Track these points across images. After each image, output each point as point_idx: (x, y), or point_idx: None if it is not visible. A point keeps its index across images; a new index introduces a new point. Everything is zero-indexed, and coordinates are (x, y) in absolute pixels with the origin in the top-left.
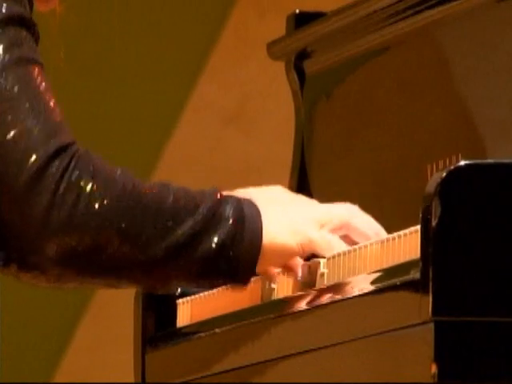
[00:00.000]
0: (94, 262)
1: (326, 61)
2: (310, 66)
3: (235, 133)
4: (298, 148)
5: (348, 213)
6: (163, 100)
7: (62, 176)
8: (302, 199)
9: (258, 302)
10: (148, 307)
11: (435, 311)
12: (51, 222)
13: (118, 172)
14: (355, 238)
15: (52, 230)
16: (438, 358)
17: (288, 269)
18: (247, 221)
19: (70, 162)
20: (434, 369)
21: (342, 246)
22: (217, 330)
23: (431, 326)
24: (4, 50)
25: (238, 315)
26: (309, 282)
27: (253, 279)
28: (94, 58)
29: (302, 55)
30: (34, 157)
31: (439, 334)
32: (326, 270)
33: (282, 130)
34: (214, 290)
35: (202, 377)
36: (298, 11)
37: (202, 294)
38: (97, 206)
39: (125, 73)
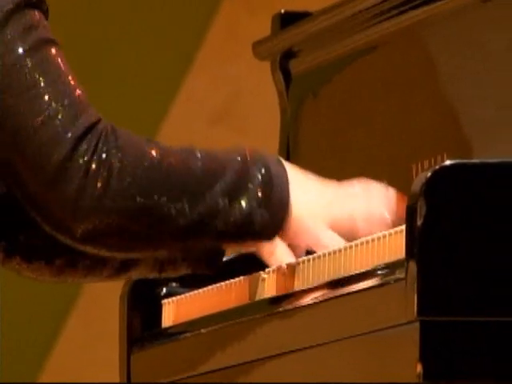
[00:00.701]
0: (129, 237)
1: (312, 61)
2: (295, 66)
3: (222, 131)
4: (284, 148)
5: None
6: (150, 96)
7: (91, 157)
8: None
9: (244, 302)
10: (133, 307)
11: (421, 311)
12: (83, 203)
13: (146, 144)
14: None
15: (84, 211)
16: (424, 357)
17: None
18: (275, 184)
19: (98, 141)
20: (419, 369)
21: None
22: (202, 331)
23: (417, 325)
24: (22, 34)
25: (224, 315)
26: (290, 282)
27: (238, 279)
28: (80, 53)
29: (288, 55)
30: (62, 140)
31: (425, 334)
32: (311, 270)
33: (270, 129)
34: (200, 291)
35: (188, 377)
36: (283, 11)
37: (187, 295)
38: (127, 183)
39: (112, 68)
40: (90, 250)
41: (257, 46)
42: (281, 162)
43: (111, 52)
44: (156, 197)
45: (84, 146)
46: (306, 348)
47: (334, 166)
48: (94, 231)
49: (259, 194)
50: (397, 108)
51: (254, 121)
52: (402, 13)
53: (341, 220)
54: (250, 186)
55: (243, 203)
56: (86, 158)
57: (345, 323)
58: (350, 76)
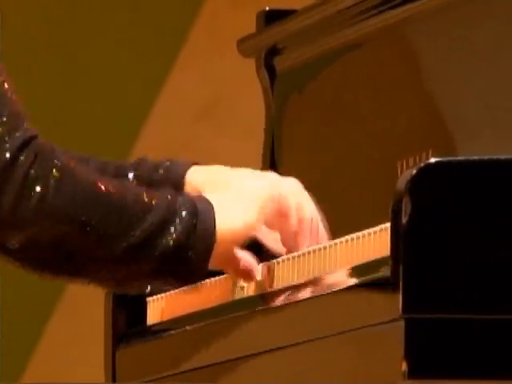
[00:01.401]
0: (56, 254)
1: (297, 58)
2: (280, 63)
3: (207, 128)
4: (268, 145)
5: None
6: (133, 94)
7: (28, 169)
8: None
9: (229, 299)
10: (118, 305)
11: (405, 309)
12: (18, 214)
13: (81, 167)
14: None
15: (18, 221)
16: (409, 355)
17: (245, 272)
18: (200, 219)
19: (36, 155)
20: (404, 367)
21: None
22: (187, 328)
23: (402, 323)
24: None
25: (209, 313)
26: (270, 282)
27: (223, 277)
28: (63, 50)
29: (272, 52)
30: (0, 151)
31: (409, 332)
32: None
33: (254, 126)
34: (185, 288)
35: (174, 374)
36: (268, 8)
37: (172, 292)
38: (62, 199)
39: (94, 65)
40: (21, 263)
41: (241, 43)
42: (204, 197)
43: (94, 49)
44: (89, 220)
45: (22, 158)
46: (289, 346)
47: (319, 163)
48: (26, 245)
49: (187, 227)
50: (381, 105)
51: (238, 118)
52: (385, 10)
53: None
54: (178, 219)
55: (171, 236)
56: (23, 170)
57: (329, 321)
58: (335, 73)
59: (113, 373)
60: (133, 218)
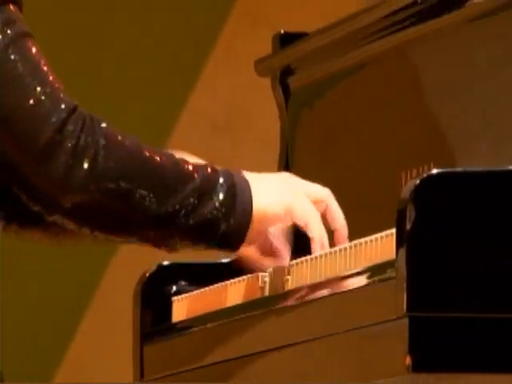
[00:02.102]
0: (103, 214)
1: (309, 77)
2: (294, 82)
3: (225, 141)
4: (283, 156)
5: (327, 193)
6: (159, 108)
7: (78, 137)
8: (288, 175)
9: (246, 299)
10: (146, 304)
11: (410, 307)
12: (70, 180)
13: (124, 134)
14: (327, 216)
15: (71, 187)
16: (412, 351)
17: (276, 251)
18: (238, 192)
19: (83, 124)
20: (408, 361)
21: (317, 217)
22: (208, 325)
23: (406, 321)
24: (1, 30)
25: (228, 311)
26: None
27: (243, 278)
28: (88, 67)
29: (287, 72)
30: (50, 122)
31: (413, 329)
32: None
33: (269, 140)
34: (206, 289)
35: (195, 368)
36: (282, 31)
37: (195, 292)
38: (110, 164)
39: (119, 80)
40: (73, 225)
41: (258, 63)
42: (242, 172)
43: (118, 64)
44: (135, 183)
45: (70, 127)
46: (303, 342)
47: (329, 173)
48: (79, 207)
49: (224, 203)
50: (387, 121)
51: (255, 131)
52: (390, 33)
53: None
54: (216, 194)
55: (209, 207)
56: (73, 138)
57: (339, 319)
58: (344, 91)
59: (140, 367)
60: (174, 185)
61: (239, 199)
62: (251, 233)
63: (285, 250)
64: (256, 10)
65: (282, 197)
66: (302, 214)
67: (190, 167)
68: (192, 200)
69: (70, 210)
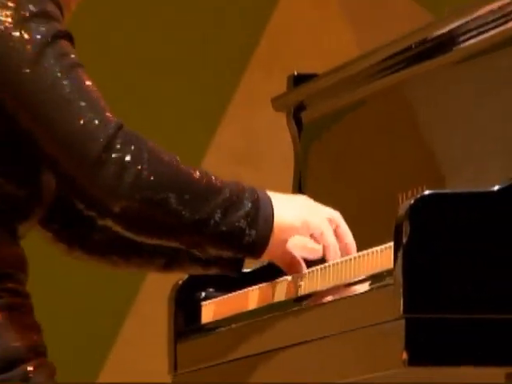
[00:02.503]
0: (146, 218)
1: (318, 112)
2: (306, 117)
3: (246, 169)
4: (296, 181)
5: (338, 215)
6: (189, 143)
7: (124, 151)
8: (304, 197)
9: (265, 303)
10: (178, 308)
11: (405, 310)
12: (118, 188)
13: (163, 150)
14: (338, 233)
15: (119, 195)
16: (408, 347)
17: (293, 264)
18: (262, 205)
19: (129, 139)
20: (404, 356)
21: (331, 229)
22: (232, 326)
23: (402, 321)
24: (58, 61)
25: (249, 314)
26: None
27: (262, 285)
28: (125, 103)
29: (300, 108)
30: (99, 139)
31: (409, 328)
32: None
33: (285, 168)
34: (231, 294)
35: (221, 363)
36: (296, 73)
37: (221, 297)
38: (152, 176)
39: (150, 122)
40: (120, 229)
41: (274, 100)
42: (265, 191)
43: (149, 109)
44: (172, 193)
45: (117, 142)
46: (314, 339)
47: (337, 194)
48: (126, 212)
49: (249, 214)
50: (386, 149)
51: (272, 161)
52: (388, 74)
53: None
54: (242, 205)
55: (235, 218)
56: (120, 153)
57: (345, 319)
58: (349, 124)
59: (174, 362)
60: (206, 195)
61: (262, 212)
62: (272, 242)
63: (300, 260)
64: (272, 56)
65: (299, 211)
66: (317, 226)
67: (220, 182)
68: (221, 210)
69: (118, 214)
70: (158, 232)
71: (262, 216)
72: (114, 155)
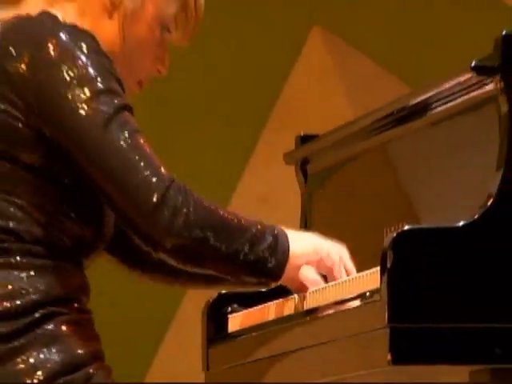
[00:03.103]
0: (192, 252)
1: (320, 165)
2: (310, 169)
3: (264, 211)
4: (303, 218)
5: (343, 248)
6: (216, 189)
7: (176, 200)
8: (314, 234)
9: (278, 316)
10: (210, 320)
11: (389, 320)
12: (170, 229)
13: (205, 199)
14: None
15: (171, 233)
16: (392, 349)
17: (301, 287)
18: (279, 239)
19: (178, 190)
20: (389, 357)
21: (339, 271)
22: (253, 334)
23: (387, 330)
24: (121, 128)
25: (266, 324)
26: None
27: (279, 301)
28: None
29: (305, 162)
30: (157, 189)
31: (392, 334)
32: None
33: (295, 209)
34: (251, 309)
35: (244, 363)
36: (302, 134)
37: (244, 311)
38: (197, 219)
39: (193, 164)
40: (173, 261)
41: (285, 155)
42: (282, 228)
43: (195, 152)
44: (212, 232)
45: (170, 193)
46: (317, 344)
47: (335, 229)
48: (176, 247)
49: (271, 245)
50: (375, 193)
51: (286, 203)
52: (376, 134)
53: (323, 259)
54: (265, 240)
55: (260, 250)
56: (172, 200)
57: (342, 328)
58: (344, 173)
59: (206, 363)
60: (237, 233)
61: (280, 244)
62: (288, 268)
63: (306, 286)
64: (284, 119)
65: (311, 243)
66: (327, 255)
67: (247, 221)
68: (249, 243)
69: (170, 249)
70: (201, 263)
71: (280, 247)
72: (167, 203)
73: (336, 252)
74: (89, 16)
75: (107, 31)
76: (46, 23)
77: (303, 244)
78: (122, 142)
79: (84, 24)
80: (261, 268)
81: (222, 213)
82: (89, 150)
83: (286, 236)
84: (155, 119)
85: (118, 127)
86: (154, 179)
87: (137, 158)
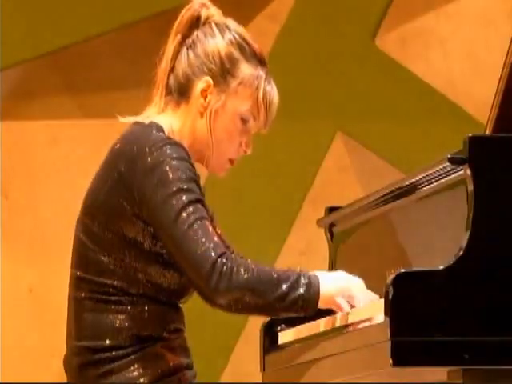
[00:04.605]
0: (243, 305)
1: (343, 227)
2: (335, 230)
3: (308, 261)
4: (330, 267)
5: (362, 284)
6: (269, 245)
7: (223, 267)
8: (342, 271)
9: (312, 333)
10: (265, 335)
11: (391, 335)
12: (221, 289)
13: (250, 264)
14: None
15: (222, 293)
16: (393, 355)
17: (338, 307)
18: (312, 284)
19: (226, 260)
20: (391, 361)
21: (358, 301)
22: (296, 345)
23: (389, 343)
24: (194, 215)
25: (307, 338)
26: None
27: (319, 321)
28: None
29: (332, 225)
30: (210, 260)
31: (394, 345)
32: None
33: (325, 259)
34: (293, 328)
35: (289, 366)
36: (329, 207)
37: (288, 330)
38: (241, 281)
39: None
40: (227, 310)
41: (318, 221)
42: (315, 274)
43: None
44: (257, 287)
45: (220, 263)
46: (341, 352)
47: (352, 272)
48: (228, 302)
49: (305, 289)
50: (381, 247)
51: (320, 255)
52: (383, 205)
53: (347, 295)
54: (301, 284)
55: (297, 293)
56: (223, 268)
57: (360, 340)
58: (360, 234)
59: (263, 366)
60: (279, 284)
61: (313, 288)
62: (320, 303)
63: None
64: (318, 196)
65: (337, 283)
66: (349, 293)
67: (284, 274)
68: (287, 293)
69: (223, 304)
70: (250, 310)
71: (313, 290)
72: (216, 271)
73: (357, 288)
74: (189, 119)
75: (201, 127)
76: (152, 132)
77: (332, 282)
78: (191, 224)
79: (186, 126)
80: (298, 308)
81: (262, 269)
82: (166, 231)
83: (317, 278)
84: (229, 204)
85: (190, 213)
86: (210, 252)
87: (200, 236)
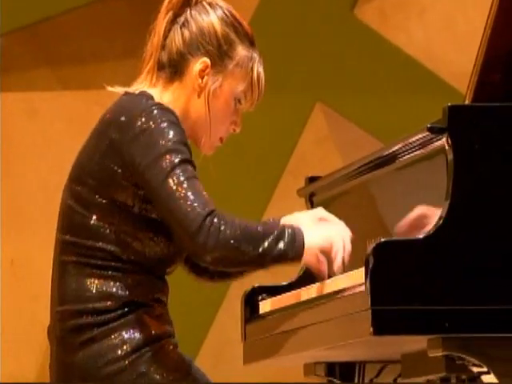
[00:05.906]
0: (229, 260)
1: (322, 197)
2: (315, 200)
3: None
4: None
5: (347, 233)
6: (249, 211)
7: (211, 225)
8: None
9: (292, 302)
10: (246, 305)
11: (371, 304)
12: (208, 246)
13: (237, 220)
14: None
15: (209, 249)
16: (373, 324)
17: (319, 271)
18: (296, 235)
19: (214, 218)
20: (371, 329)
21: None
22: (276, 314)
23: (370, 311)
24: (183, 175)
25: (286, 308)
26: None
27: (289, 293)
28: None
29: (312, 195)
30: (200, 215)
31: (374, 313)
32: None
33: None
34: (274, 298)
35: (269, 335)
36: (309, 176)
37: (269, 299)
38: (229, 237)
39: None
40: (214, 266)
41: (299, 191)
42: (298, 226)
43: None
44: (242, 241)
45: (208, 220)
46: (321, 321)
47: None
48: (216, 258)
49: (290, 240)
50: (361, 217)
51: None
52: (362, 174)
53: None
54: (285, 236)
55: (282, 244)
56: (211, 225)
57: (341, 309)
58: (340, 204)
59: (244, 335)
60: (264, 238)
61: (297, 238)
62: (305, 254)
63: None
64: (297, 167)
65: (320, 233)
66: (332, 246)
67: (271, 227)
68: (273, 244)
69: (211, 260)
70: (237, 265)
71: (297, 241)
72: (203, 229)
73: (340, 239)
74: (183, 96)
75: (197, 107)
76: (142, 100)
77: (315, 233)
78: (180, 183)
79: (179, 102)
80: (284, 259)
81: (248, 225)
82: (158, 192)
83: (301, 230)
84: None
85: (180, 172)
86: (199, 210)
87: (189, 195)
